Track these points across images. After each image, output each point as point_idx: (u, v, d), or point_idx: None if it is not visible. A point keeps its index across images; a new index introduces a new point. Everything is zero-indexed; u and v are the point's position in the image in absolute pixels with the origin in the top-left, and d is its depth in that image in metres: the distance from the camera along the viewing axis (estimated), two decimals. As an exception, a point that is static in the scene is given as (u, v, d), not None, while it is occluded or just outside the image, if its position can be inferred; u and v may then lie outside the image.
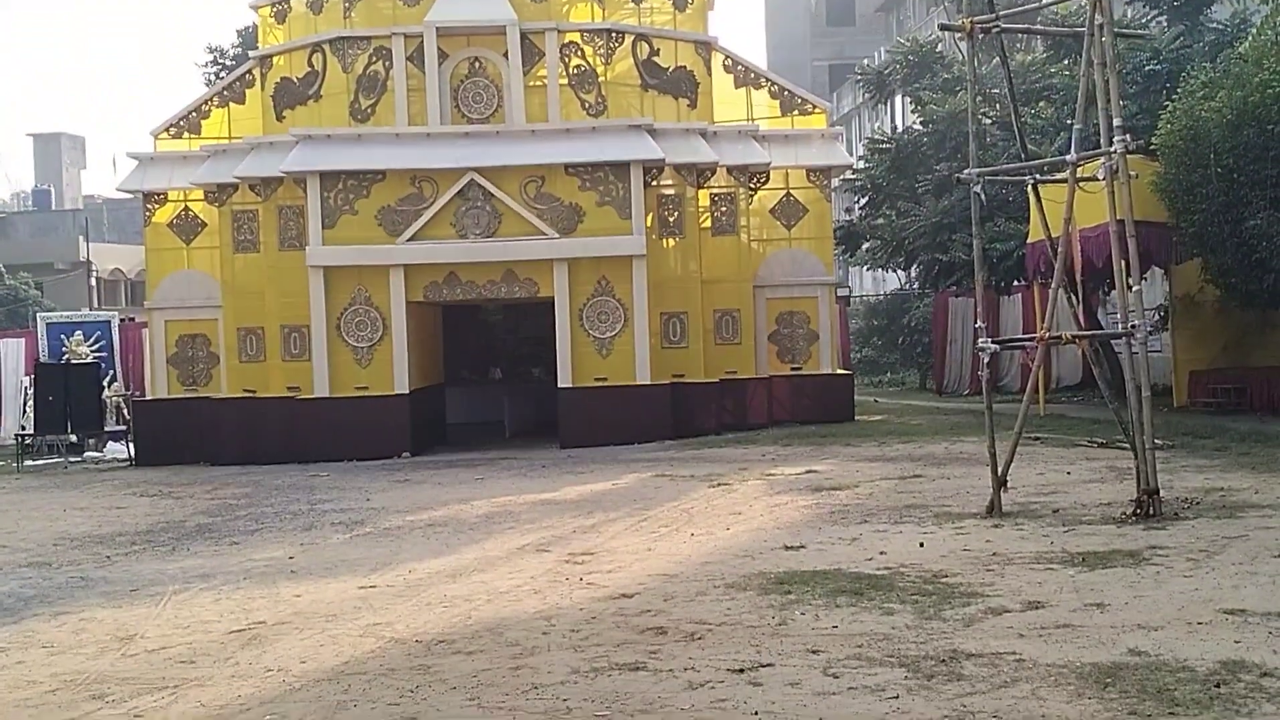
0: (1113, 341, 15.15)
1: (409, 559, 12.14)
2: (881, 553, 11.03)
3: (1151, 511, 12.01)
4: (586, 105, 24.60)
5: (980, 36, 13.99)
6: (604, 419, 23.12)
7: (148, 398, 26.28)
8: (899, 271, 37.81)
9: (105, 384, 27.84)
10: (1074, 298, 14.65)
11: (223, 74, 42.57)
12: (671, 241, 24.70)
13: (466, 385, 28.33)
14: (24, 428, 26.78)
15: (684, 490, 16.20)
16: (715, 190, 25.12)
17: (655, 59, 25.23)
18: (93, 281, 59.80)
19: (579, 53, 24.65)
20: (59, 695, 7.90)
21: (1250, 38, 21.02)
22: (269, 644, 8.96)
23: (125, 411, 27.52)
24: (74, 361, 28.31)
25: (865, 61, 42.00)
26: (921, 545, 11.28)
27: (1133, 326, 12.43)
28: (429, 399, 25.28)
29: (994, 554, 10.72)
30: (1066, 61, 27.28)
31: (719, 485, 16.41)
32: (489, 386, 28.23)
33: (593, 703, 7.06)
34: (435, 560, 12.00)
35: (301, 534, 14.25)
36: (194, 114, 26.04)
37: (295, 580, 11.34)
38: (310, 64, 24.80)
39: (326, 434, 22.90)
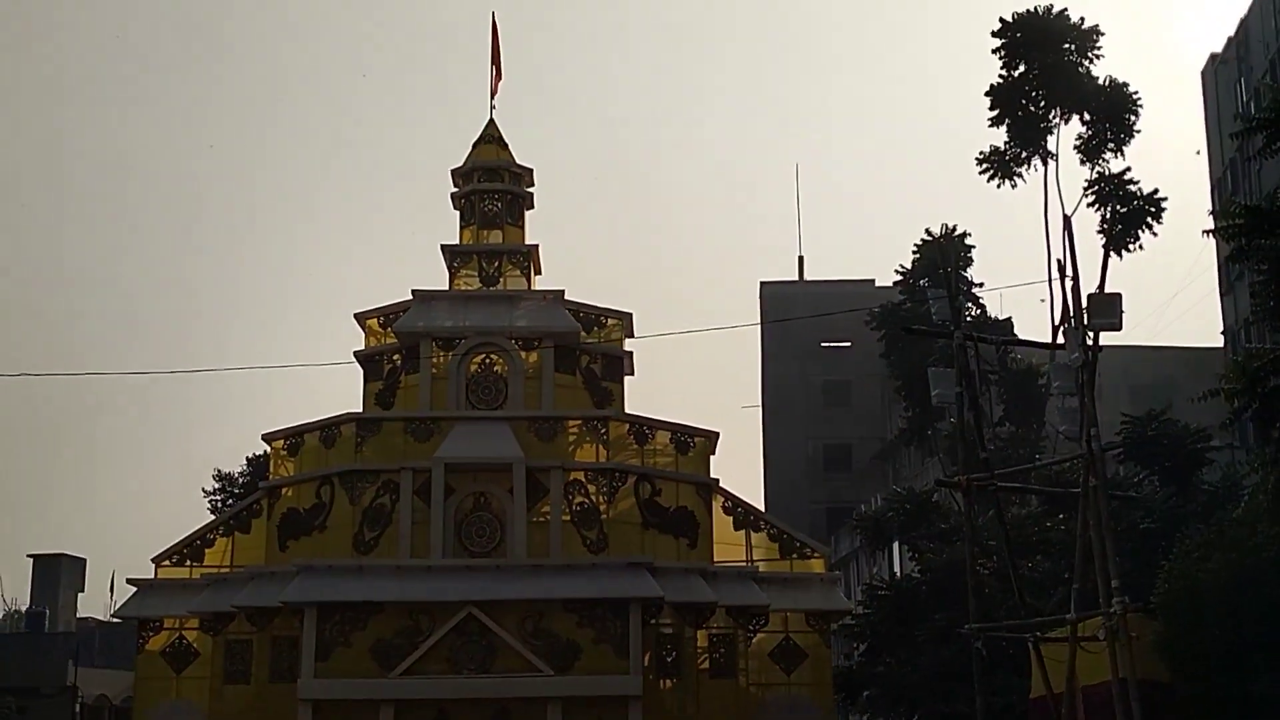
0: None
1: None
2: None
3: None
4: (588, 541, 24.87)
5: (975, 491, 14.34)
6: None
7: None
8: (900, 720, 36.91)
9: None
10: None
11: (230, 501, 43.19)
12: (669, 683, 24.36)
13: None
14: None
15: None
16: (714, 631, 25.00)
17: (657, 499, 25.70)
18: (77, 708, 58.34)
19: (583, 490, 25.15)
20: None
21: (1244, 502, 21.44)
22: None
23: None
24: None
25: (862, 507, 42.63)
26: None
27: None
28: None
29: None
30: (1062, 516, 27.68)
31: None
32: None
33: None
34: None
35: None
36: (198, 542, 26.33)
37: None
38: (319, 496, 25.26)
39: None
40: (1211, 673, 19.66)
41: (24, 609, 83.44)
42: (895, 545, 40.70)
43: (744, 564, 26.00)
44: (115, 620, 37.27)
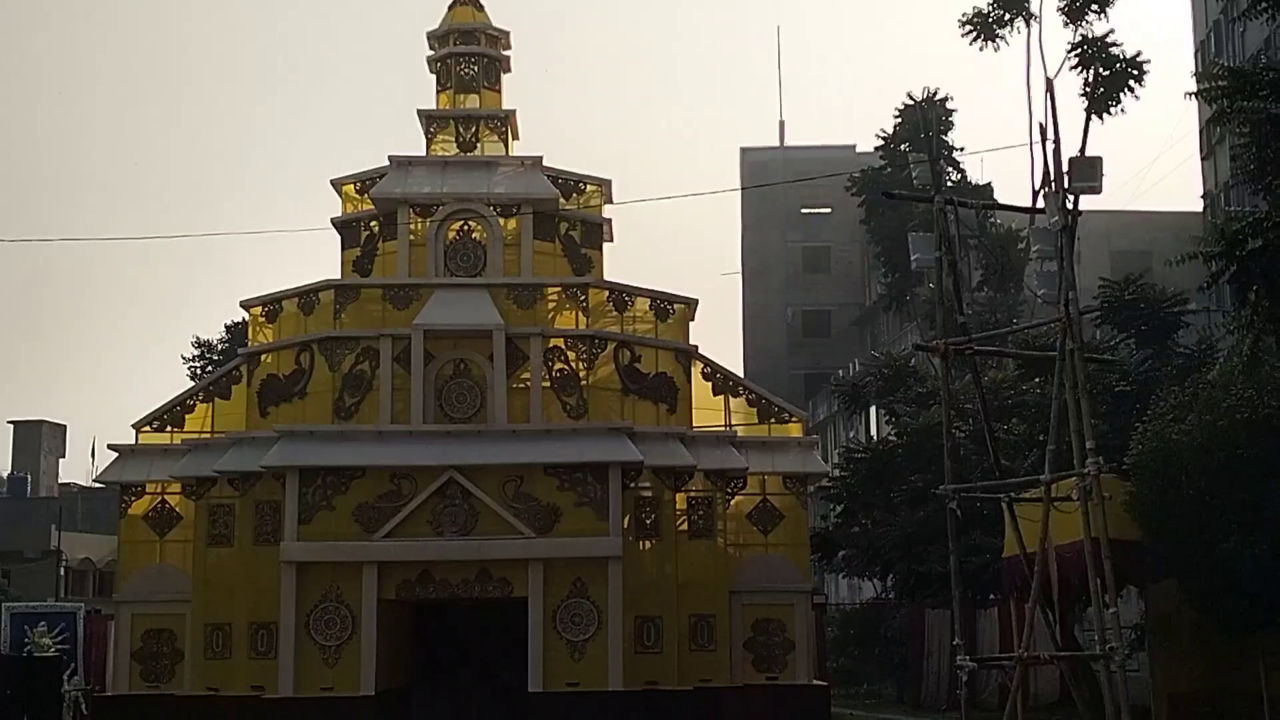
0: (1091, 662, 15.03)
1: None
2: None
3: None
4: (568, 407, 24.98)
5: (953, 356, 14.42)
6: (575, 726, 22.57)
7: (108, 693, 25.60)
8: (875, 581, 37.68)
9: (65, 678, 27.13)
10: (1051, 615, 14.62)
11: (210, 367, 43.26)
12: (648, 544, 24.68)
13: (435, 686, 27.64)
14: (-25, 723, 25.91)
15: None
16: (693, 494, 25.26)
17: (636, 365, 25.78)
18: (61, 571, 59.01)
19: (562, 357, 25.20)
20: None
21: (1218, 364, 21.63)
22: None
23: (83, 706, 26.73)
24: (36, 654, 27.66)
25: (840, 373, 42.93)
26: None
27: (1110, 649, 12.37)
28: (396, 701, 24.65)
29: None
30: (1038, 379, 27.95)
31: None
32: (458, 688, 27.56)
33: None
34: None
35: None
36: (178, 408, 26.32)
37: None
38: (298, 362, 25.25)
39: (289, 736, 22.24)
40: (1183, 532, 20.03)
41: (5, 475, 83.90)
42: (872, 409, 41.19)
43: (723, 429, 26.20)
44: (97, 485, 37.46)
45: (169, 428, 26.14)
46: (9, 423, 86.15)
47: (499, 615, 26.27)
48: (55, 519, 61.13)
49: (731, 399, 26.92)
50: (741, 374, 31.60)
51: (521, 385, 24.88)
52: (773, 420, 26.96)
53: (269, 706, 22.73)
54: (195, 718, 23.29)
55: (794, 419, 27.42)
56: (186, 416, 26.23)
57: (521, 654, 23.49)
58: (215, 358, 46.67)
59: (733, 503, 25.81)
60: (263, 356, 25.99)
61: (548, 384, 24.99)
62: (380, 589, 23.14)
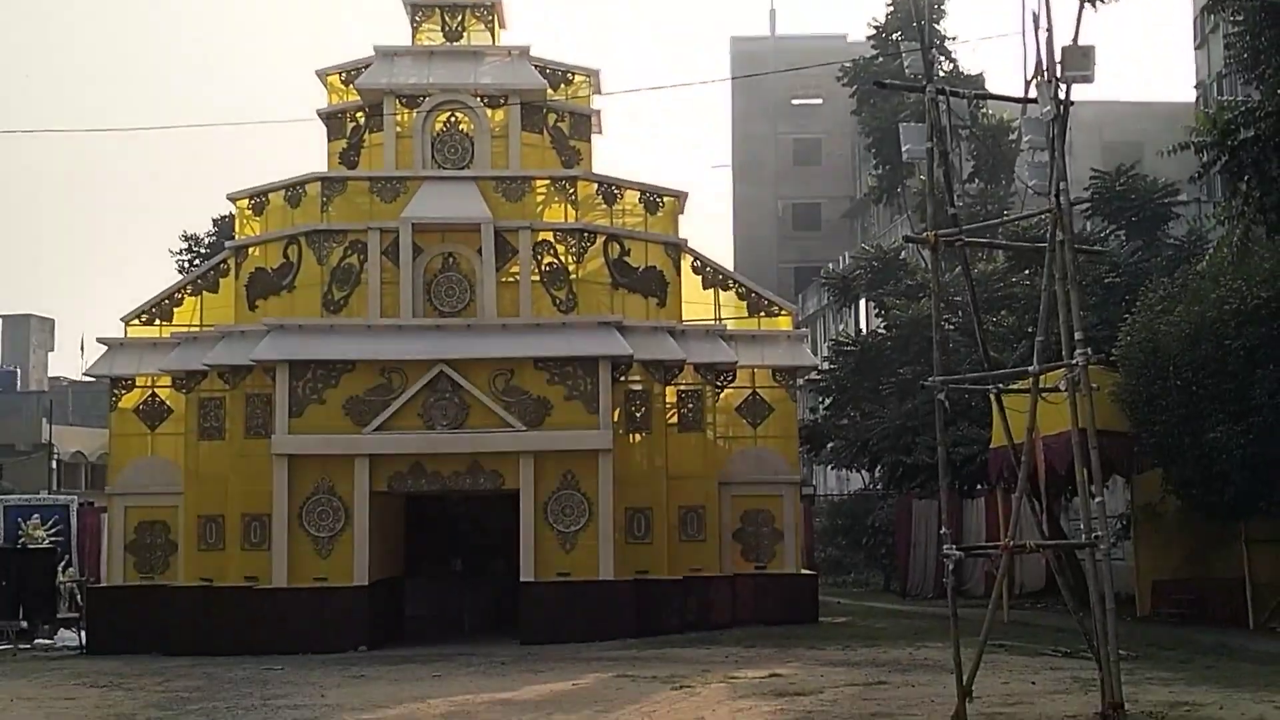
0: (1076, 551, 15.20)
1: (363, 760, 11.84)
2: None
3: (1117, 725, 11.89)
4: (557, 301, 24.94)
5: (943, 248, 14.35)
6: (566, 615, 22.88)
7: (102, 584, 25.86)
8: (863, 472, 38.00)
9: (60, 569, 27.40)
10: (1037, 505, 14.74)
11: (197, 262, 43.03)
12: (638, 437, 24.81)
13: (427, 577, 27.98)
14: (-27, 613, 26.16)
15: (645, 692, 15.94)
16: (682, 387, 25.34)
17: (626, 258, 25.70)
18: (54, 464, 59.25)
19: (551, 251, 25.08)
20: None
21: (1208, 255, 21.64)
22: None
23: (79, 598, 27.02)
24: (30, 546, 27.91)
25: (830, 266, 42.85)
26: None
27: (1095, 538, 12.50)
28: (388, 591, 24.95)
29: (960, 767, 10.56)
30: (1028, 271, 27.92)
31: (681, 688, 16.15)
32: (449, 579, 27.91)
33: None
34: (390, 762, 11.72)
35: (253, 731, 13.89)
36: (166, 301, 26.23)
37: (245, 780, 11.03)
38: (285, 255, 25.12)
39: (283, 626, 22.50)
40: (1169, 422, 20.21)
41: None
42: (862, 302, 41.18)
43: (712, 323, 26.21)
44: (88, 379, 37.48)
45: (158, 321, 26.06)
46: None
47: (490, 508, 26.53)
48: (46, 412, 61.24)
49: (721, 292, 26.90)
50: (731, 268, 31.53)
51: (511, 279, 24.82)
52: (762, 314, 26.97)
53: (263, 597, 22.97)
54: (190, 608, 23.51)
55: (783, 312, 27.44)
56: (175, 310, 26.15)
57: (513, 546, 23.71)
58: (203, 251, 46.39)
59: (722, 396, 25.92)
60: (250, 250, 25.86)
61: (537, 278, 24.92)
62: (371, 481, 23.28)
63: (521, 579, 23.34)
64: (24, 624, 25.40)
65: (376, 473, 23.36)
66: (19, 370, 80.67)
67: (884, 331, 33.13)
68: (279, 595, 22.91)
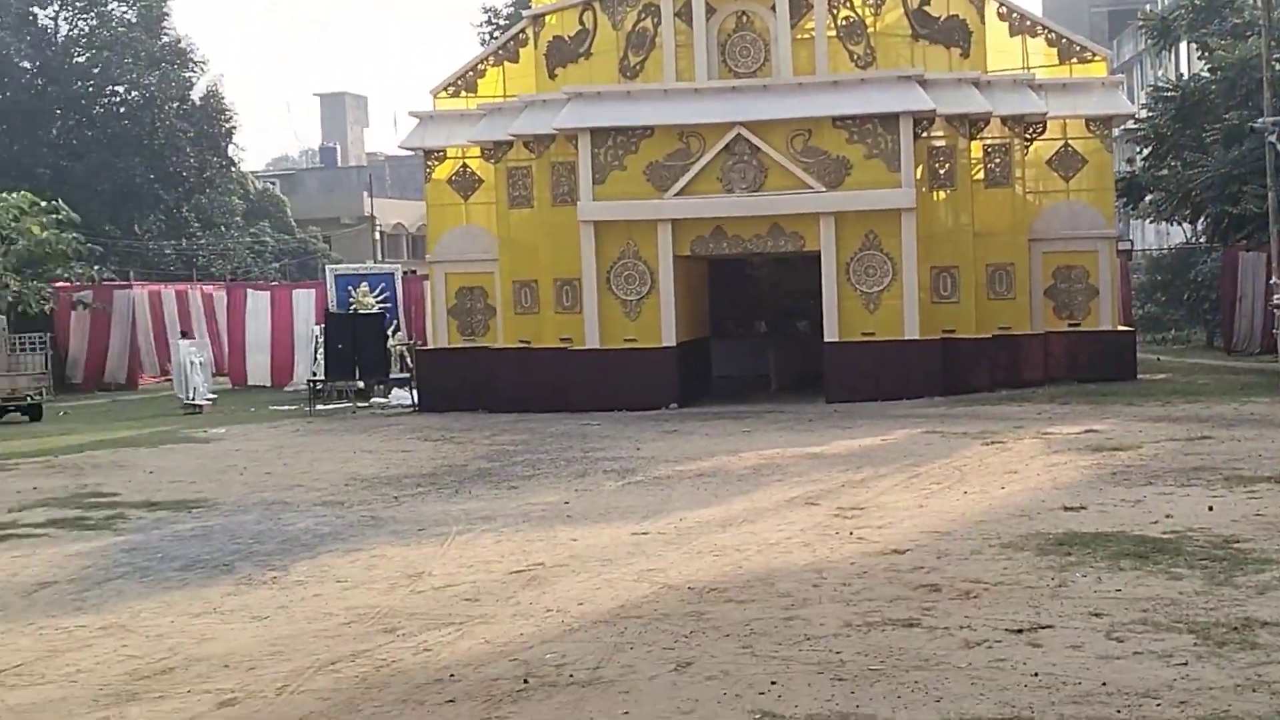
0: None
1: (679, 507, 12.35)
2: (1168, 516, 10.65)
3: None
4: (855, 57, 24.29)
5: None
6: (871, 374, 22.95)
7: (429, 347, 27.36)
8: (1184, 225, 36.20)
9: (390, 333, 29.14)
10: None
11: (497, 34, 43.74)
12: (942, 194, 24.23)
13: (732, 338, 28.48)
14: (315, 374, 28.21)
15: (955, 447, 15.94)
16: (988, 141, 24.48)
17: (926, 8, 24.70)
18: (376, 235, 62.50)
19: (847, 4, 24.34)
20: (353, 628, 8.37)
21: None
22: (548, 585, 9.28)
23: (408, 360, 28.72)
24: (361, 311, 29.68)
25: (1148, 7, 40.11)
26: (1211, 509, 10.84)
27: None
28: (695, 351, 25.53)
29: (1289, 521, 10.23)
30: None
31: (993, 443, 16.07)
32: (754, 340, 28.32)
33: (866, 656, 7.07)
34: (705, 510, 12.18)
35: (575, 480, 14.65)
36: (470, 73, 26.80)
37: (571, 524, 11.69)
38: (581, 22, 25.21)
39: (596, 384, 23.40)
40: None
41: (316, 146, 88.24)
42: (1183, 44, 38.55)
43: (1020, 72, 25.01)
44: (403, 153, 39.02)
45: (464, 93, 26.71)
46: (314, 95, 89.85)
47: (792, 270, 26.60)
48: (366, 186, 64.37)
49: (1029, 40, 25.59)
50: (1039, 13, 29.90)
51: (806, 36, 24.24)
52: (1074, 61, 25.57)
53: (577, 357, 23.87)
54: (510, 368, 24.66)
55: (1097, 58, 25.95)
56: (479, 82, 26.72)
57: (816, 307, 23.77)
58: (502, 23, 47.17)
59: (1031, 148, 24.91)
60: (547, 18, 26.03)
61: (833, 33, 24.26)
62: (674, 245, 23.59)
63: (826, 339, 23.45)
64: (360, 384, 27.27)
65: (679, 237, 23.65)
66: (338, 147, 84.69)
67: (1208, 75, 31.02)
68: (592, 356, 23.76)
